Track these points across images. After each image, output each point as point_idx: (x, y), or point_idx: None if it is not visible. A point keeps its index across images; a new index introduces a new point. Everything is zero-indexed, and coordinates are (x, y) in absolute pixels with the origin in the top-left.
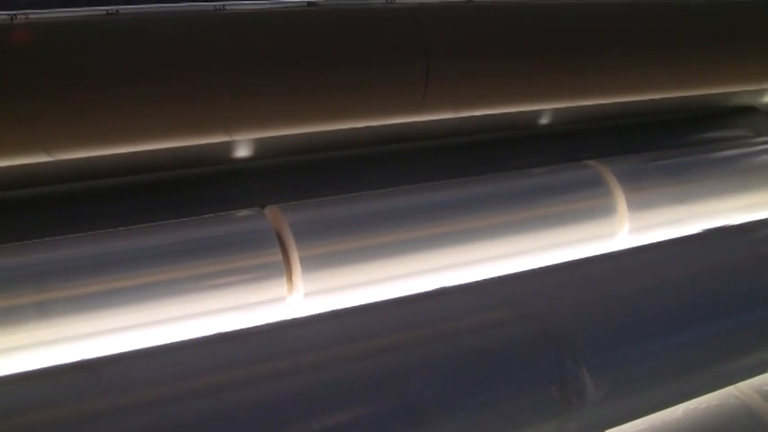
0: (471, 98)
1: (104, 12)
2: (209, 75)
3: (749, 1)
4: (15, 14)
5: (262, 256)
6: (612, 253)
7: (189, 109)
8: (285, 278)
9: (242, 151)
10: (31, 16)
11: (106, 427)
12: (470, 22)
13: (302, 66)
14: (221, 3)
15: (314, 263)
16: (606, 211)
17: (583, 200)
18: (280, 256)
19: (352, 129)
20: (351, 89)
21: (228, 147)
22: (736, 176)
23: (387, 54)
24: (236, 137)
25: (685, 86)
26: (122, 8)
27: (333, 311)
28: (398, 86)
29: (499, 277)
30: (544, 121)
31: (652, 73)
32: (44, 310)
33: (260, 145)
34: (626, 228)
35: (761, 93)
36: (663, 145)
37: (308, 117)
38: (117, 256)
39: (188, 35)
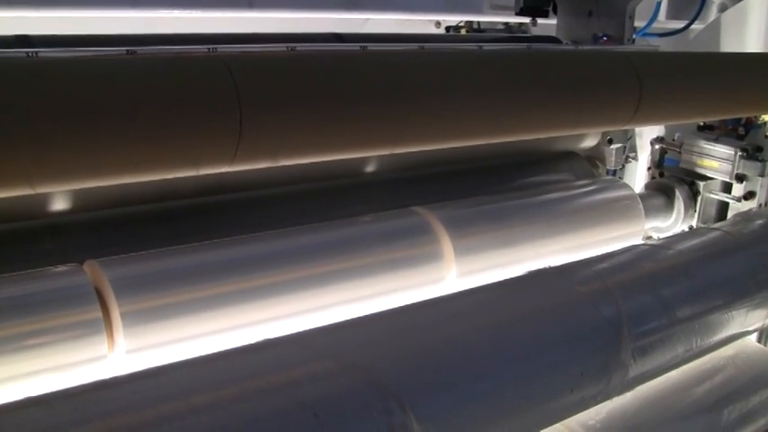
0: (287, 148)
1: None
2: (11, 124)
3: (567, 51)
4: None
5: (80, 313)
6: (436, 299)
7: None
8: (105, 335)
9: (57, 205)
10: None
11: None
12: (287, 73)
13: (111, 115)
14: (34, 50)
15: (135, 319)
16: (433, 257)
17: (410, 247)
18: (99, 313)
19: (172, 180)
20: (160, 140)
21: (42, 201)
22: (559, 219)
23: (199, 104)
24: (40, 189)
25: (504, 133)
26: None
27: (150, 369)
28: (211, 137)
29: (322, 327)
30: (370, 168)
31: (471, 121)
32: None
33: (76, 198)
34: (453, 272)
35: (580, 138)
36: (488, 190)
37: (114, 169)
38: None
39: None
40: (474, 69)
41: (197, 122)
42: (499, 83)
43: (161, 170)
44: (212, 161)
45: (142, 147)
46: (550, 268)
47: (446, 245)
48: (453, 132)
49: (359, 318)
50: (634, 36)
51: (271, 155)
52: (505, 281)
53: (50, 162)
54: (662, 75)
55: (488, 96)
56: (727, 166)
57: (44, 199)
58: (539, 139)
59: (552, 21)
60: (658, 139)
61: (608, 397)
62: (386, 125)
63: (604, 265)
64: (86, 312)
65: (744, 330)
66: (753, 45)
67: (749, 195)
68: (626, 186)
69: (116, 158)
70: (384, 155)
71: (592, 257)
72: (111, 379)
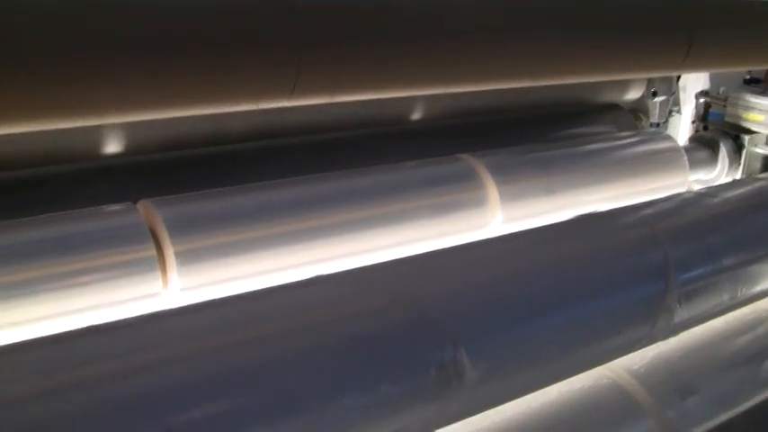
0: (343, 83)
1: None
2: (76, 58)
3: None
4: None
5: (135, 251)
6: (485, 240)
7: (55, 92)
8: (159, 273)
9: (111, 147)
10: None
11: None
12: (344, 10)
13: (173, 51)
14: None
15: (188, 257)
16: (479, 202)
17: (456, 192)
18: (153, 251)
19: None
20: (221, 73)
21: (98, 143)
22: (604, 169)
23: (258, 39)
24: (109, 120)
25: (552, 75)
26: None
27: (207, 301)
28: (270, 70)
29: (374, 265)
30: (416, 116)
31: (519, 62)
32: None
33: (130, 141)
34: (499, 218)
35: (624, 90)
36: (532, 140)
37: (178, 101)
38: None
39: (56, 20)
40: (523, 12)
41: (257, 56)
42: (547, 25)
43: (222, 103)
44: (271, 95)
45: (204, 78)
46: (598, 213)
47: (491, 191)
48: (502, 73)
49: (410, 256)
50: None
51: (328, 90)
52: (554, 224)
53: (120, 94)
54: (713, 20)
55: (536, 38)
56: None
57: (100, 141)
58: (583, 90)
59: None
60: (703, 93)
61: (653, 341)
62: (436, 64)
63: (650, 211)
64: (141, 251)
65: None
66: None
67: None
68: (670, 138)
69: (181, 89)
70: (431, 104)
71: (638, 203)
72: (167, 310)
